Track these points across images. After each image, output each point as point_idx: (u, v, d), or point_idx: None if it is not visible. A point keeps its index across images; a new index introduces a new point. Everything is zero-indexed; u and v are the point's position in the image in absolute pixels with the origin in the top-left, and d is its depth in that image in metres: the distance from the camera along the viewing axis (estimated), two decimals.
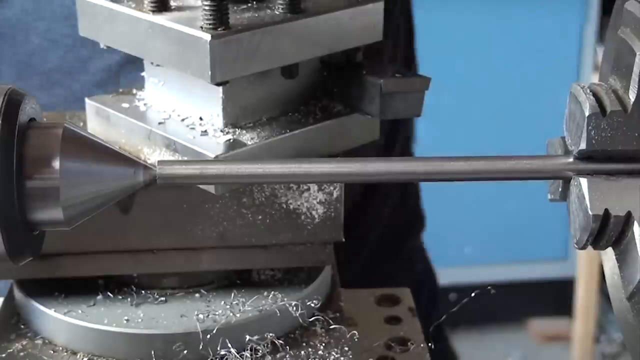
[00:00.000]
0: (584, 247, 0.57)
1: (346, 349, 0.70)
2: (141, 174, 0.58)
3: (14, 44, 1.02)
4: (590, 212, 0.55)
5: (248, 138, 0.69)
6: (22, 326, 0.73)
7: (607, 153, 0.56)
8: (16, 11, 1.00)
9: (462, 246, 3.25)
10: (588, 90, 0.56)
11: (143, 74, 0.76)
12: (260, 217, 0.72)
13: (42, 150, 0.56)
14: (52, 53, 1.01)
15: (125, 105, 0.75)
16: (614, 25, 0.58)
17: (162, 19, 0.68)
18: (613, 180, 0.55)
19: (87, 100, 0.77)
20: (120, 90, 0.78)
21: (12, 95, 0.55)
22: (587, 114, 0.55)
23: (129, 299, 0.73)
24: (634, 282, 0.55)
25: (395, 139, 1.23)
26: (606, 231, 0.56)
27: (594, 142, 0.55)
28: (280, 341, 0.71)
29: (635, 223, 0.54)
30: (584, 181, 0.56)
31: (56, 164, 0.55)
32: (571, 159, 0.57)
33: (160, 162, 0.58)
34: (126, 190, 0.58)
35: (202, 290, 0.74)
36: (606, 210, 0.55)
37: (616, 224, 0.55)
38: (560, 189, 0.59)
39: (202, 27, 0.65)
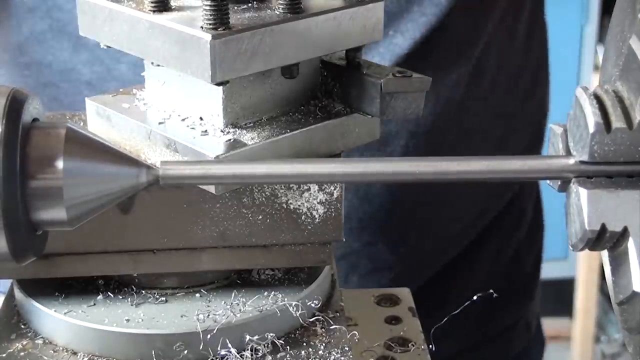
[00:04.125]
0: (580, 250, 0.57)
1: (346, 349, 0.70)
2: (144, 175, 0.58)
3: None
4: (587, 228, 0.55)
5: (248, 138, 0.69)
6: (23, 326, 0.73)
7: (609, 164, 0.56)
8: None
9: None
10: (594, 100, 0.56)
11: (143, 73, 0.76)
12: (260, 217, 0.72)
13: (45, 150, 0.56)
14: None
15: (126, 105, 0.76)
16: (621, 25, 0.58)
17: (162, 19, 0.68)
18: (612, 191, 0.55)
19: (87, 100, 0.77)
20: (121, 90, 0.78)
21: (15, 95, 0.56)
22: (591, 131, 0.55)
23: (129, 299, 0.73)
24: (625, 292, 0.55)
25: None
26: (601, 241, 0.56)
27: (596, 155, 0.55)
28: (281, 341, 0.71)
29: (631, 238, 0.54)
30: (583, 193, 0.56)
31: (59, 164, 0.55)
32: (572, 161, 0.57)
33: (162, 163, 0.58)
34: (129, 191, 0.58)
35: (203, 290, 0.74)
36: (603, 224, 0.55)
37: (612, 236, 0.55)
38: (559, 183, 0.59)
39: (202, 27, 0.65)
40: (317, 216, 0.73)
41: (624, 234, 0.55)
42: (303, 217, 0.72)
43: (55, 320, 0.71)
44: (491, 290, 0.84)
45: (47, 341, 0.71)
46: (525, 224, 1.25)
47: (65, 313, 0.71)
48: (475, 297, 0.82)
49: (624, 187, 0.55)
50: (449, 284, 1.16)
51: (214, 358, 0.69)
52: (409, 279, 1.12)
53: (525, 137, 1.21)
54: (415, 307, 0.82)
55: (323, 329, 0.73)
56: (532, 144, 1.23)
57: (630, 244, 0.54)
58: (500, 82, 1.14)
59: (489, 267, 1.20)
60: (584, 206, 0.55)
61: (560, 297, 3.17)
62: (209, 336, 0.68)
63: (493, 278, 1.20)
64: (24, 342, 0.71)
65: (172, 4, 0.70)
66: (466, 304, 0.82)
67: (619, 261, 0.56)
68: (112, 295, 0.74)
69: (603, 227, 0.55)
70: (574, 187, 0.57)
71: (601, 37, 3.01)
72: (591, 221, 0.55)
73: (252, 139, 0.69)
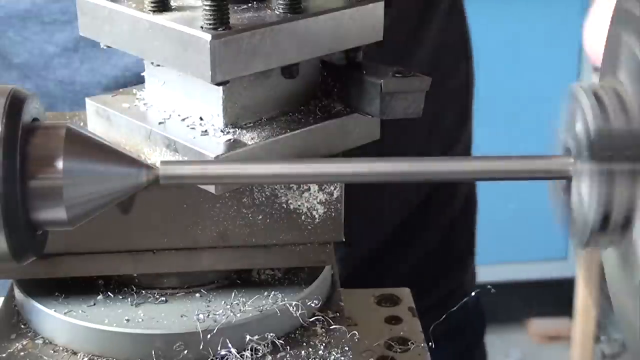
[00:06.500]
0: (585, 248, 0.57)
1: (346, 349, 0.70)
2: (144, 174, 0.58)
3: None
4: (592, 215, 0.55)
5: (248, 138, 0.69)
6: (23, 326, 0.73)
7: (610, 162, 0.56)
8: None
9: None
10: (592, 97, 0.56)
11: (143, 73, 0.76)
12: (260, 217, 0.72)
13: (45, 149, 0.56)
14: None
15: (126, 105, 0.76)
16: (624, 25, 0.58)
17: (162, 19, 0.68)
18: (613, 181, 0.55)
19: (87, 100, 0.77)
20: (121, 90, 0.78)
21: (16, 95, 0.56)
22: (591, 128, 0.55)
23: (129, 299, 0.73)
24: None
25: (456, 147, 1.22)
26: (607, 231, 0.56)
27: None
28: (281, 341, 0.71)
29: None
30: (584, 184, 0.56)
31: (59, 163, 0.55)
32: (572, 160, 0.57)
33: (162, 163, 0.58)
34: (129, 190, 0.58)
35: (203, 290, 0.74)
36: (607, 212, 0.55)
37: (616, 224, 0.55)
38: (561, 187, 0.59)
39: (202, 27, 0.66)
40: (317, 216, 0.73)
41: (629, 221, 0.55)
42: (303, 217, 0.72)
43: (55, 320, 0.71)
44: (489, 286, 0.84)
45: (47, 341, 0.71)
46: (461, 198, 1.26)
47: (65, 313, 0.71)
48: (473, 293, 0.82)
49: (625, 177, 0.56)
50: (384, 263, 1.16)
51: (214, 358, 0.69)
52: (348, 262, 1.12)
53: (453, 114, 1.21)
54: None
55: (323, 329, 0.73)
56: (460, 121, 1.23)
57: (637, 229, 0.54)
58: (421, 60, 1.14)
59: (425, 243, 1.21)
60: (589, 195, 0.55)
61: (560, 297, 3.17)
62: (209, 336, 0.68)
63: (428, 253, 1.21)
64: (24, 342, 0.71)
65: (172, 4, 0.70)
66: (465, 299, 0.82)
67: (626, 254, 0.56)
68: (112, 295, 0.74)
69: (607, 216, 0.55)
70: (574, 183, 0.57)
71: None
72: (595, 209, 0.55)
73: (252, 139, 0.69)
